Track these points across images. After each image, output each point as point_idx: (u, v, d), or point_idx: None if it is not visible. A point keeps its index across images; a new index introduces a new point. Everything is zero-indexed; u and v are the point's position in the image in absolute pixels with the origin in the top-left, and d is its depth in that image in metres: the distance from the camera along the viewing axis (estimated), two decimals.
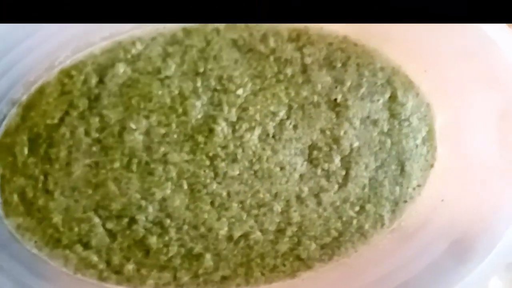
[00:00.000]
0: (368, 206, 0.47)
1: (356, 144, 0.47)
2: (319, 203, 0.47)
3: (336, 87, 0.47)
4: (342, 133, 0.47)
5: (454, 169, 0.47)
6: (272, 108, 0.46)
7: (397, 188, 0.48)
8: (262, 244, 0.46)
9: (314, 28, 0.47)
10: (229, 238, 0.46)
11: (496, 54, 0.41)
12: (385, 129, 0.48)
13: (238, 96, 0.46)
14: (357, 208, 0.47)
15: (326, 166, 0.47)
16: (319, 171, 0.47)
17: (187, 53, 0.46)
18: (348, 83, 0.47)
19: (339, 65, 0.48)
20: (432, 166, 0.49)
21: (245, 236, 0.46)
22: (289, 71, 0.47)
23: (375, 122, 0.48)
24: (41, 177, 0.44)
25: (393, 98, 0.48)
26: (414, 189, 0.48)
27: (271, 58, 0.47)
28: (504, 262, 0.42)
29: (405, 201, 0.48)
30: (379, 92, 0.48)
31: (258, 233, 0.46)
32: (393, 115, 0.48)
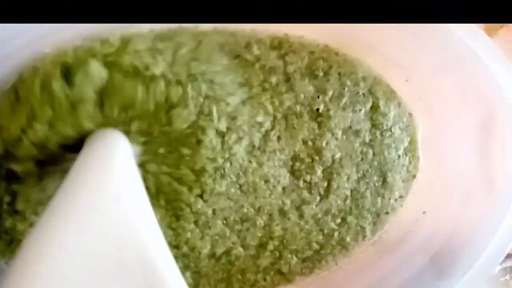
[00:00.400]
0: (350, 218, 0.47)
1: (338, 155, 0.47)
2: (301, 216, 0.46)
3: (318, 97, 0.47)
4: (324, 144, 0.46)
5: (436, 180, 0.47)
6: (258, 118, 0.45)
7: (379, 200, 0.48)
8: (244, 260, 0.45)
9: (295, 36, 0.46)
10: (212, 255, 0.44)
11: (477, 64, 0.40)
12: (367, 140, 0.47)
13: (228, 104, 0.43)
14: (338, 220, 0.47)
15: (308, 177, 0.46)
16: (301, 183, 0.46)
17: (178, 51, 0.41)
18: (330, 93, 0.47)
19: (321, 74, 0.47)
20: (414, 177, 0.48)
21: (227, 252, 0.45)
22: (273, 79, 0.45)
23: (357, 133, 0.47)
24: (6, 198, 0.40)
25: (374, 108, 0.48)
26: (396, 200, 0.48)
27: (257, 65, 0.44)
28: (486, 276, 0.41)
29: (387, 213, 0.48)
30: (361, 102, 0.47)
31: (240, 249, 0.45)
32: (374, 125, 0.48)
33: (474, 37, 0.40)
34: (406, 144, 0.48)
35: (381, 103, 0.48)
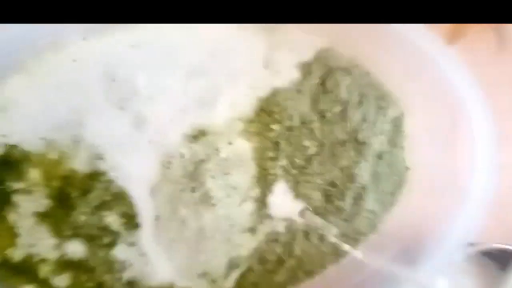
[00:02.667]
0: (362, 238, 0.51)
1: (366, 181, 0.50)
2: (321, 239, 0.49)
3: (359, 125, 0.49)
4: (357, 170, 0.49)
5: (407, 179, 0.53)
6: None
7: (379, 207, 0.52)
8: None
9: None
10: None
11: (441, 74, 0.46)
12: (389, 160, 0.51)
13: None
14: (352, 242, 0.50)
15: (338, 203, 0.49)
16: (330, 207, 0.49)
17: None
18: (371, 119, 0.49)
19: (365, 100, 0.48)
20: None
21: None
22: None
23: (380, 156, 0.50)
24: None
25: (395, 127, 0.51)
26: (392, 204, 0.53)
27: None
28: (449, 263, 0.47)
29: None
30: (387, 123, 0.50)
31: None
32: (392, 144, 0.51)
33: (437, 49, 0.45)
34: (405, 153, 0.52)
35: (400, 120, 0.51)
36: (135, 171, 0.41)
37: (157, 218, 0.42)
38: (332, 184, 0.48)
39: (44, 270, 0.40)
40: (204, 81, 0.43)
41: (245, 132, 0.44)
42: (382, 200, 0.51)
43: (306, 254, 0.48)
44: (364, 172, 0.49)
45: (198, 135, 0.43)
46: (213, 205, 0.43)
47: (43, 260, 0.39)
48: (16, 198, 0.39)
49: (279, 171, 0.46)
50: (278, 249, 0.47)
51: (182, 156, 0.42)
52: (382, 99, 0.49)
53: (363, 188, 0.50)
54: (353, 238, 0.50)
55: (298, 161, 0.46)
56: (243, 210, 0.45)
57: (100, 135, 0.40)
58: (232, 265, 0.45)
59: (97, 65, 0.40)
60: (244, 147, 0.44)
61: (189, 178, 0.43)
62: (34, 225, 0.39)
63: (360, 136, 0.49)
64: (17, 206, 0.39)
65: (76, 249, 0.40)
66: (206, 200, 0.43)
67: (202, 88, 0.43)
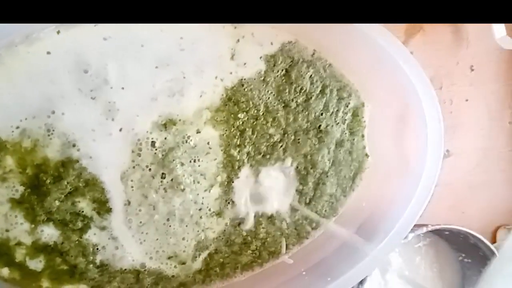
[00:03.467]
0: (322, 220, 0.56)
1: (327, 167, 0.54)
2: (284, 221, 0.53)
3: (322, 114, 0.52)
4: (320, 157, 0.53)
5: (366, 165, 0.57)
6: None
7: (342, 194, 0.57)
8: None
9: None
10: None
11: (394, 67, 0.49)
12: (349, 147, 0.55)
13: None
14: (314, 224, 0.55)
15: (300, 187, 0.53)
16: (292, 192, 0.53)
17: None
18: (331, 109, 0.53)
19: (327, 91, 0.52)
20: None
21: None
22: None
23: (341, 143, 0.54)
24: None
25: (354, 115, 0.55)
26: (353, 190, 0.58)
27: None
28: (400, 240, 0.52)
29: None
30: (346, 112, 0.54)
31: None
32: (352, 133, 0.55)
33: (392, 45, 0.48)
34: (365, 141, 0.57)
35: (360, 110, 0.55)
36: (106, 158, 0.44)
37: (127, 203, 0.45)
38: (295, 170, 0.52)
39: (20, 254, 0.42)
40: (172, 72, 0.45)
41: (212, 120, 0.47)
42: (342, 185, 0.55)
43: (270, 236, 0.52)
44: (325, 158, 0.53)
45: (167, 124, 0.46)
46: (182, 190, 0.46)
47: (18, 244, 0.42)
48: None
49: (244, 158, 0.49)
50: (244, 232, 0.50)
51: (152, 144, 0.45)
52: (343, 90, 0.53)
53: (325, 173, 0.53)
54: (315, 221, 0.54)
55: (263, 148, 0.50)
56: (211, 195, 0.48)
57: (72, 124, 0.42)
58: (200, 247, 0.49)
59: (70, 57, 0.42)
60: (211, 135, 0.48)
61: (159, 165, 0.45)
62: (9, 210, 0.41)
63: (322, 125, 0.52)
64: None
65: (50, 233, 0.43)
66: (175, 185, 0.46)
67: (171, 78, 0.45)
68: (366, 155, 0.57)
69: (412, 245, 0.63)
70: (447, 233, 0.60)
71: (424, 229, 0.57)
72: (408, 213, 0.51)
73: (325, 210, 0.55)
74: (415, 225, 0.52)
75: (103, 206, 0.44)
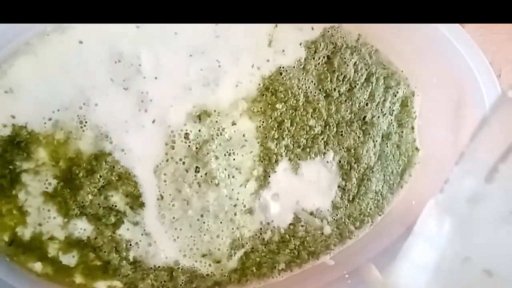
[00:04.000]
0: (367, 219, 0.53)
1: (373, 162, 0.51)
2: (325, 219, 0.50)
3: (367, 104, 0.49)
4: (364, 151, 0.50)
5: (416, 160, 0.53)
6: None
7: (389, 192, 0.53)
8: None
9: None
10: None
11: (450, 50, 0.45)
12: (397, 141, 0.52)
13: None
14: (358, 224, 0.52)
15: (343, 183, 0.50)
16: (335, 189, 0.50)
17: None
18: (377, 99, 0.50)
19: (373, 79, 0.49)
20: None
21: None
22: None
23: (388, 136, 0.51)
24: None
25: (404, 106, 0.52)
26: (401, 187, 0.54)
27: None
28: None
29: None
30: (394, 102, 0.51)
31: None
32: (401, 125, 0.52)
33: (449, 27, 0.45)
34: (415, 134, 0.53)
35: (409, 100, 0.52)
36: (139, 151, 0.43)
37: (160, 197, 0.44)
38: (338, 164, 0.49)
39: (52, 248, 0.41)
40: (207, 61, 0.44)
41: (249, 111, 0.45)
42: (389, 181, 0.51)
43: (310, 235, 0.49)
44: (370, 152, 0.49)
45: (202, 115, 0.44)
46: (217, 185, 0.45)
47: (51, 239, 0.41)
48: (25, 178, 0.40)
49: (283, 151, 0.46)
50: (281, 230, 0.48)
51: (186, 136, 0.43)
52: (391, 78, 0.50)
53: (370, 168, 0.50)
54: (359, 219, 0.51)
55: (303, 140, 0.47)
56: (246, 190, 0.46)
57: (105, 116, 0.42)
58: (235, 245, 0.47)
59: (102, 46, 0.41)
60: (248, 127, 0.46)
61: (193, 158, 0.44)
62: (42, 204, 0.41)
63: (367, 116, 0.49)
64: (26, 185, 0.40)
65: (83, 228, 0.42)
66: (210, 180, 0.45)
67: (206, 67, 0.44)
68: (416, 148, 0.53)
69: None
70: None
71: None
72: None
73: (370, 209, 0.52)
74: None
75: (136, 201, 0.43)
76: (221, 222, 0.46)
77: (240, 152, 0.46)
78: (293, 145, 0.47)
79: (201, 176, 0.45)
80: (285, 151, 0.47)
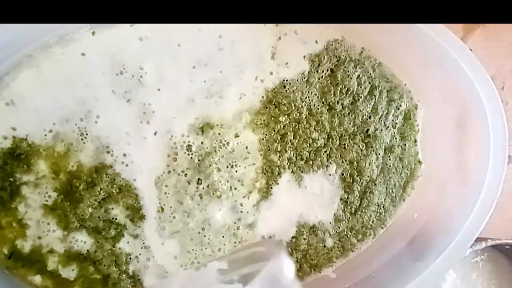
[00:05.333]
0: (369, 232, 0.53)
1: (375, 175, 0.51)
2: (328, 233, 0.51)
3: (369, 118, 0.50)
4: (367, 164, 0.50)
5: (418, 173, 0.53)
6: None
7: (388, 201, 0.54)
8: None
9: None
10: None
11: (454, 67, 0.46)
12: (399, 154, 0.52)
13: None
14: (360, 236, 0.52)
15: (345, 196, 0.50)
16: (337, 201, 0.50)
17: None
18: (380, 112, 0.50)
19: (376, 92, 0.50)
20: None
21: None
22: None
23: (391, 149, 0.52)
24: None
25: (406, 118, 0.52)
26: (404, 200, 0.54)
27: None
28: (459, 257, 0.48)
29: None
30: (397, 115, 0.51)
31: None
32: (403, 138, 0.52)
33: (451, 42, 0.45)
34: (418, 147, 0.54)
35: (412, 113, 0.52)
36: (141, 163, 0.43)
37: (161, 210, 0.43)
38: (340, 177, 0.49)
39: (52, 261, 0.41)
40: (211, 73, 0.44)
41: (252, 124, 0.45)
42: (391, 194, 0.51)
43: (312, 247, 0.49)
44: (373, 165, 0.50)
45: (204, 127, 0.44)
46: (219, 197, 0.45)
47: (51, 252, 0.41)
48: (25, 190, 0.40)
49: (285, 163, 0.46)
50: (283, 243, 0.48)
51: (188, 148, 0.43)
52: (394, 91, 0.50)
53: (372, 181, 0.50)
54: (361, 232, 0.51)
55: (306, 153, 0.47)
56: (249, 201, 0.46)
57: (106, 128, 0.42)
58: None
59: (105, 58, 0.41)
60: (250, 139, 0.46)
61: (195, 170, 0.44)
62: (42, 217, 0.40)
63: (370, 129, 0.49)
64: (26, 198, 0.40)
65: (83, 241, 0.42)
66: (212, 192, 0.45)
67: (209, 79, 0.44)
68: (419, 161, 0.53)
69: (468, 260, 0.59)
70: (507, 247, 0.55)
71: (483, 244, 0.53)
72: (468, 227, 0.48)
73: (373, 221, 0.52)
74: None
75: (136, 213, 0.43)
76: (223, 236, 0.46)
77: (242, 164, 0.46)
78: (296, 158, 0.48)
79: (203, 188, 0.45)
80: (288, 163, 0.47)
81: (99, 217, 0.42)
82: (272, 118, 0.46)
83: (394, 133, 0.51)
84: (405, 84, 0.51)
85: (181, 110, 0.44)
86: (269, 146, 0.46)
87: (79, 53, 0.40)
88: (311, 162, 0.48)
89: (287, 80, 0.46)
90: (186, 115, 0.44)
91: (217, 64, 0.44)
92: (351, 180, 0.50)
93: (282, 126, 0.47)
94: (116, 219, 0.43)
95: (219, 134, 0.45)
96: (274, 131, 0.46)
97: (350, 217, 0.51)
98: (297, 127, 0.47)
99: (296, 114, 0.47)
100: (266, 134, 0.46)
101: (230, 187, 0.46)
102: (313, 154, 0.48)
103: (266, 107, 0.46)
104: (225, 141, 0.45)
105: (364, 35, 0.47)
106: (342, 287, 0.49)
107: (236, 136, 0.45)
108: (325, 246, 0.50)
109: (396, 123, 0.51)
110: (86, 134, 0.41)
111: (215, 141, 0.45)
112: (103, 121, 0.42)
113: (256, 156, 0.46)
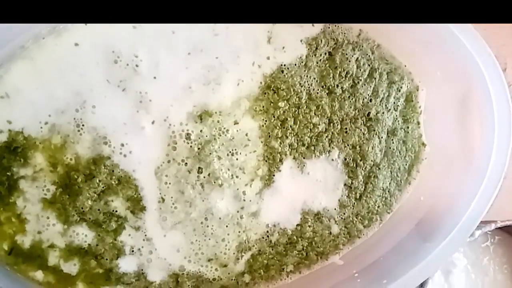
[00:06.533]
0: (375, 217, 0.52)
1: (379, 158, 0.51)
2: (333, 219, 0.50)
3: (370, 101, 0.49)
4: (370, 148, 0.50)
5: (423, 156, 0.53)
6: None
7: (397, 188, 0.53)
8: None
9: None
10: None
11: (455, 42, 0.45)
12: (402, 137, 0.52)
13: None
14: (366, 222, 0.52)
15: (349, 181, 0.50)
16: (341, 187, 0.50)
17: None
18: (381, 95, 0.49)
19: (376, 75, 0.49)
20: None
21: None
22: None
23: (393, 131, 0.51)
24: None
25: (408, 101, 0.51)
26: (409, 183, 0.54)
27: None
28: (465, 239, 0.47)
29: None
30: (399, 97, 0.51)
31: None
32: (406, 120, 0.52)
33: None
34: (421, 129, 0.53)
35: (413, 95, 0.51)
36: (139, 153, 0.43)
37: (162, 200, 0.43)
38: (343, 162, 0.48)
39: (53, 257, 0.41)
40: (207, 59, 0.44)
41: (251, 110, 0.45)
42: (396, 178, 0.51)
43: (317, 235, 0.48)
44: (376, 149, 0.49)
45: (203, 115, 0.44)
46: (220, 185, 0.44)
47: (52, 246, 0.41)
48: (23, 184, 0.40)
49: (287, 150, 0.46)
50: (288, 231, 0.47)
51: (187, 136, 0.43)
52: (394, 73, 0.50)
53: (376, 165, 0.49)
54: (367, 218, 0.50)
55: (307, 138, 0.46)
56: (252, 189, 0.45)
57: (103, 118, 0.42)
58: (242, 248, 0.46)
59: (98, 47, 0.41)
60: (250, 126, 0.46)
61: (195, 159, 0.43)
62: (41, 211, 0.40)
63: (372, 112, 0.48)
64: (24, 192, 0.40)
65: (84, 235, 0.41)
66: (213, 180, 0.44)
67: (205, 66, 0.44)
68: (423, 144, 0.53)
69: (479, 244, 0.58)
70: None
71: (493, 226, 0.52)
72: (473, 208, 0.47)
73: (378, 206, 0.51)
74: (481, 222, 0.48)
75: (137, 205, 0.43)
76: (226, 226, 0.45)
77: (243, 151, 0.45)
78: (297, 144, 0.47)
79: (204, 177, 0.44)
80: (289, 149, 0.47)
81: (99, 209, 0.42)
82: (272, 104, 0.46)
83: (396, 115, 0.51)
84: (405, 66, 0.50)
85: (178, 98, 0.43)
86: (269, 133, 0.46)
87: (73, 43, 0.40)
88: (313, 148, 0.48)
89: (284, 65, 0.46)
90: (183, 103, 0.43)
91: (212, 50, 0.44)
92: (355, 165, 0.49)
93: (281, 111, 0.46)
94: (116, 211, 0.42)
95: (218, 121, 0.44)
96: (274, 117, 0.46)
97: (355, 203, 0.50)
98: (297, 112, 0.47)
99: (295, 99, 0.47)
100: (266, 121, 0.46)
101: (232, 175, 0.45)
102: (314, 140, 0.48)
103: (265, 93, 0.46)
104: (224, 128, 0.45)
105: None
106: (350, 273, 0.49)
107: (236, 123, 0.45)
108: (331, 233, 0.50)
109: (398, 105, 0.51)
110: (83, 125, 0.41)
111: (214, 128, 0.44)
112: (99, 111, 0.41)
113: (256, 143, 0.46)
